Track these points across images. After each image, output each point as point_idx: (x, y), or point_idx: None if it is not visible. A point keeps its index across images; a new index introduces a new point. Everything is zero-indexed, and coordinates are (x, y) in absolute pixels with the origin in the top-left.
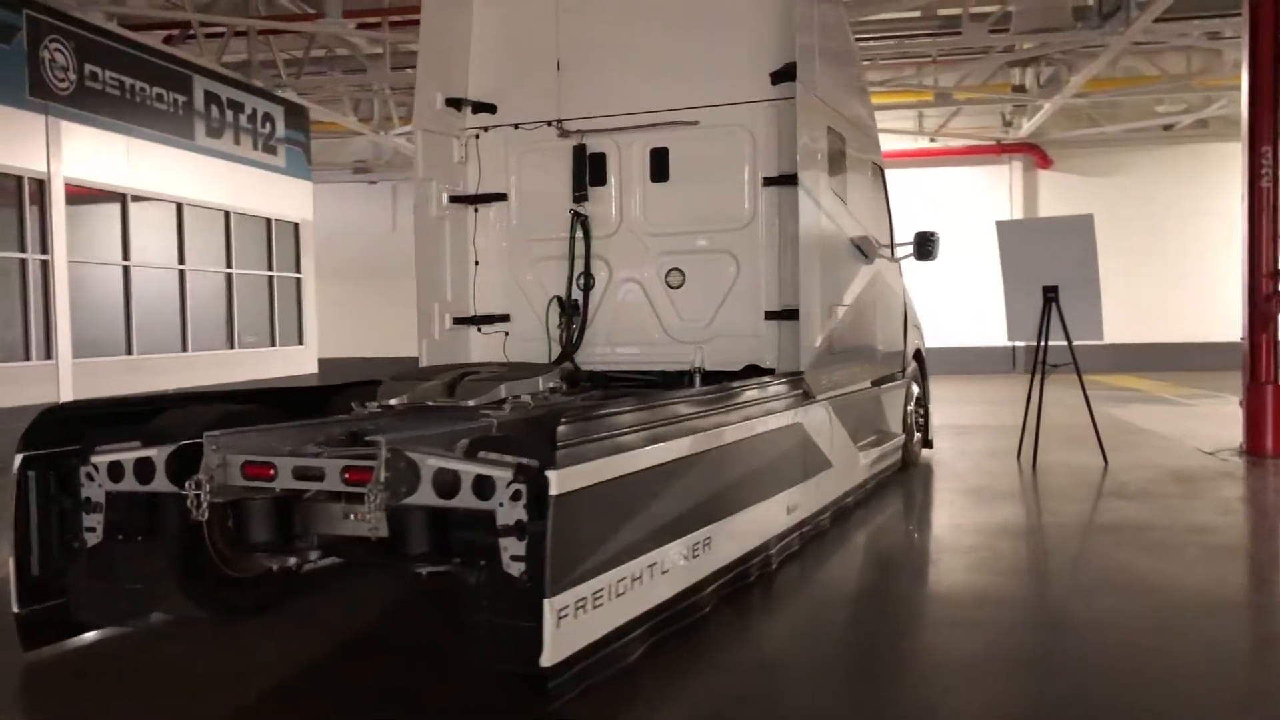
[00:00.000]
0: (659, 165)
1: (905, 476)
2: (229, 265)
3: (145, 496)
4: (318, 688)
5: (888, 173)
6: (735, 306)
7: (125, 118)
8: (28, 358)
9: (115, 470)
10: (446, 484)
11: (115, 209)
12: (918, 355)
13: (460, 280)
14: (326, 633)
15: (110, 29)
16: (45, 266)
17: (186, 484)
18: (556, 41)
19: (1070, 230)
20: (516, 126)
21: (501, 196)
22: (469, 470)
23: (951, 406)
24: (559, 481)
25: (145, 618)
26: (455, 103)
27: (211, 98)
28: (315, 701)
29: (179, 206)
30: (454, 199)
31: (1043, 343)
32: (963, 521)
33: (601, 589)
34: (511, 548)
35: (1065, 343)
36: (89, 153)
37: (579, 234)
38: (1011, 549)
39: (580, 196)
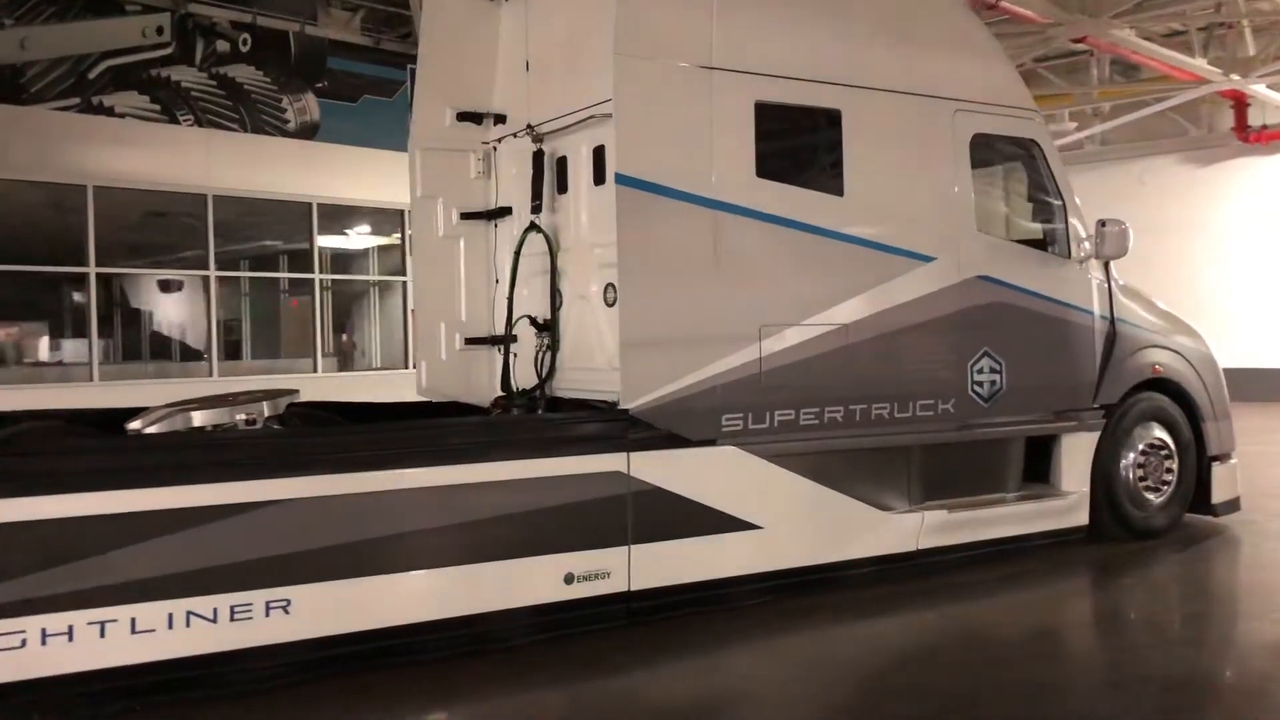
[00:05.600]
0: (599, 166)
1: (1085, 553)
2: None
3: None
4: None
5: None
6: None
7: None
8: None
9: None
10: None
11: None
12: (1160, 386)
13: (479, 299)
14: None
15: None
16: None
17: None
18: (526, 40)
19: None
20: (516, 135)
21: (509, 211)
22: None
23: None
24: None
25: None
26: (474, 117)
27: None
28: None
29: None
30: (467, 215)
31: None
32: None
33: None
34: None
35: None
36: None
37: (544, 249)
38: None
39: (536, 206)
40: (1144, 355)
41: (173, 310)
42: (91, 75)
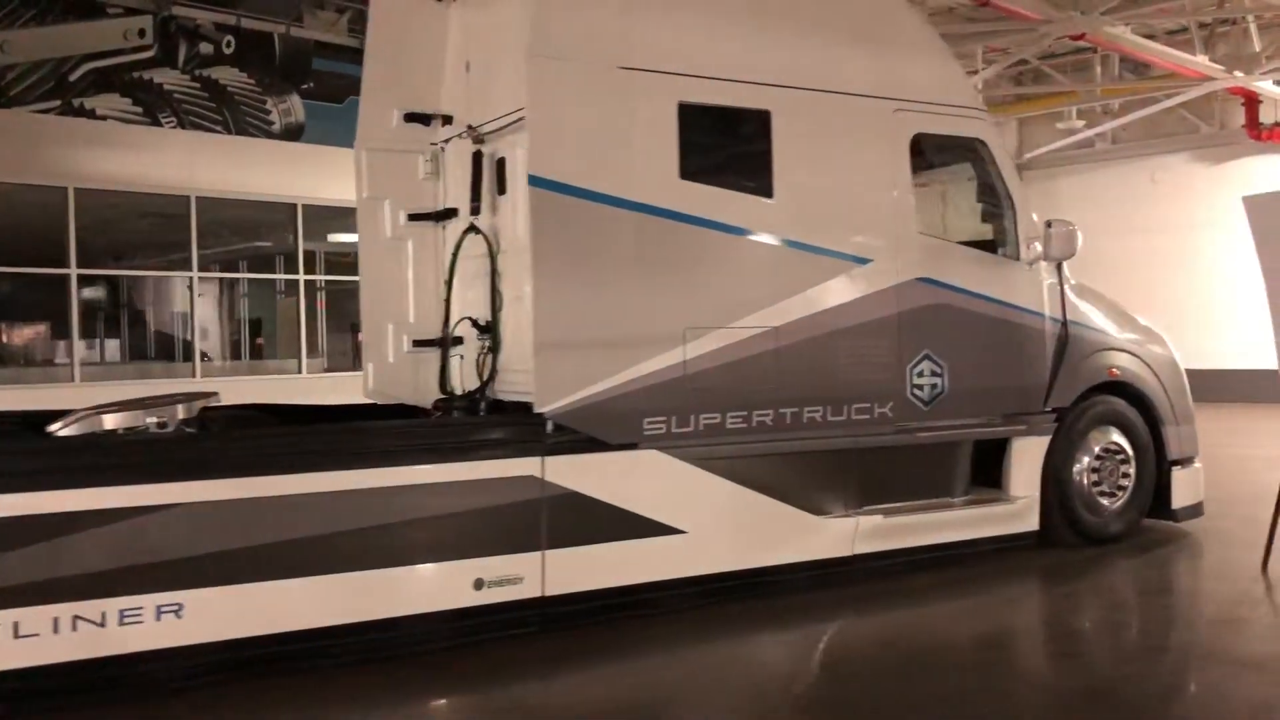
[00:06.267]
0: None
1: (1035, 559)
2: None
3: None
4: None
5: None
6: None
7: None
8: None
9: None
10: None
11: None
12: (1118, 389)
13: (427, 301)
14: None
15: None
16: None
17: None
18: (467, 41)
19: None
20: (462, 136)
21: (453, 212)
22: None
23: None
24: None
25: None
26: (421, 118)
27: None
28: None
29: None
30: (414, 217)
31: None
32: None
33: None
34: None
35: None
36: None
37: (485, 250)
38: None
39: (475, 208)
40: (1099, 358)
41: (165, 311)
42: (72, 78)
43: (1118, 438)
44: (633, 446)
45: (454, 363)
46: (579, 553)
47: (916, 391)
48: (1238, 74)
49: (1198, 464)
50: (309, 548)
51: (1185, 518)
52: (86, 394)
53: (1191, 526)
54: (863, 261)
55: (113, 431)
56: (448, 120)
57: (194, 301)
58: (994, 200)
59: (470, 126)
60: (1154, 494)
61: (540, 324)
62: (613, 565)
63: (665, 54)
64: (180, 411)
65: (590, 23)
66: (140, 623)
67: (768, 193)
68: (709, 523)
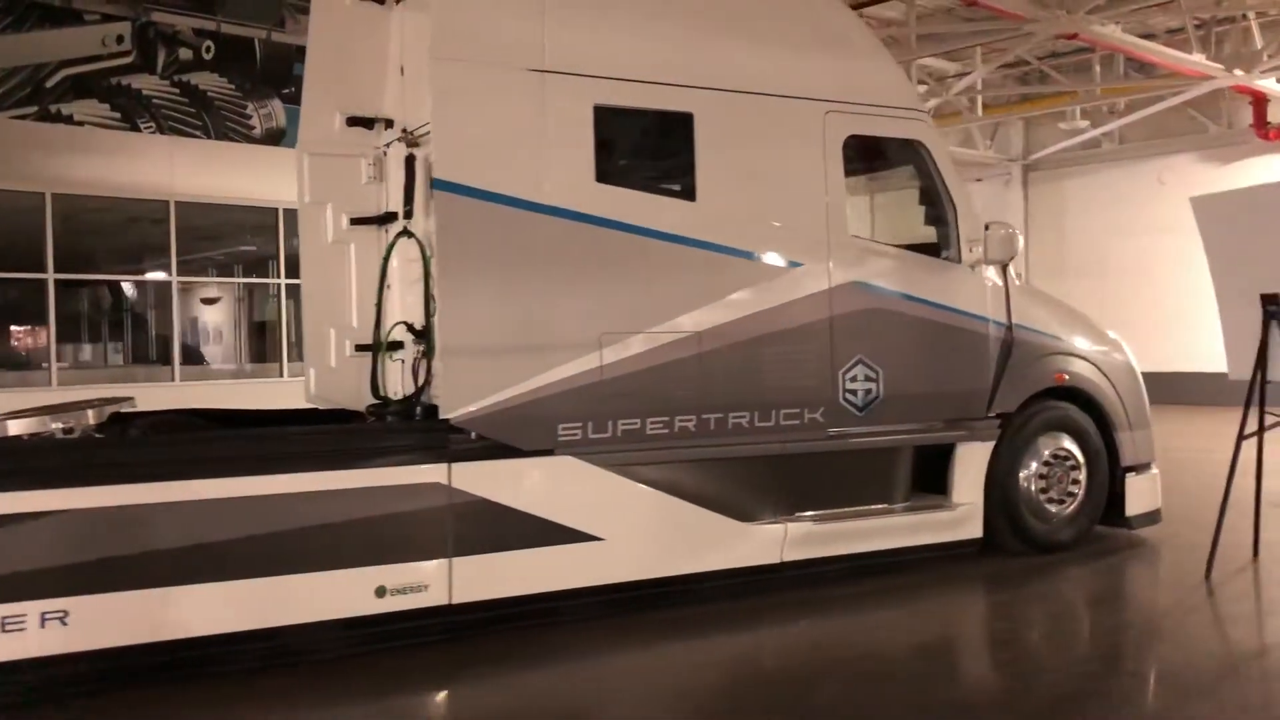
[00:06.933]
0: None
1: (978, 567)
2: None
3: None
4: None
5: None
6: None
7: None
8: None
9: None
10: None
11: None
12: (1069, 394)
13: (370, 305)
14: None
15: None
16: None
17: None
18: (401, 44)
19: None
20: (398, 140)
21: (394, 216)
22: None
23: None
24: None
25: None
26: (364, 121)
27: None
28: None
29: None
30: (356, 220)
31: (1262, 378)
32: None
33: None
34: None
35: None
36: None
37: (418, 254)
38: None
39: (408, 212)
40: (1047, 363)
41: (148, 315)
42: (49, 84)
43: (1067, 444)
44: (548, 453)
45: (395, 367)
46: (489, 560)
47: (849, 397)
48: (1237, 72)
49: (1154, 470)
50: (206, 554)
51: (1140, 525)
52: (60, 397)
53: (1147, 533)
54: (792, 266)
55: (16, 437)
56: (390, 124)
57: (174, 306)
58: (935, 202)
59: (405, 130)
60: (1108, 501)
61: (446, 329)
62: (525, 573)
63: (579, 56)
64: (90, 417)
65: (497, 25)
66: (23, 630)
67: (690, 196)
68: (628, 529)
